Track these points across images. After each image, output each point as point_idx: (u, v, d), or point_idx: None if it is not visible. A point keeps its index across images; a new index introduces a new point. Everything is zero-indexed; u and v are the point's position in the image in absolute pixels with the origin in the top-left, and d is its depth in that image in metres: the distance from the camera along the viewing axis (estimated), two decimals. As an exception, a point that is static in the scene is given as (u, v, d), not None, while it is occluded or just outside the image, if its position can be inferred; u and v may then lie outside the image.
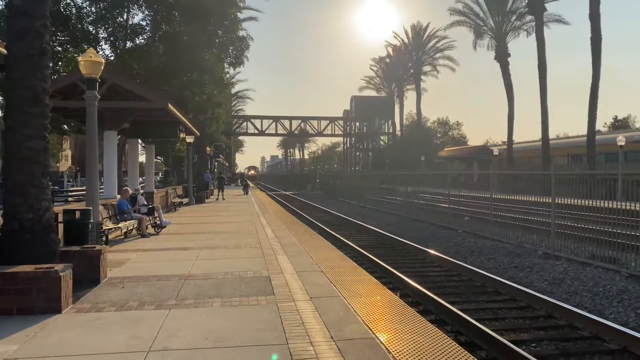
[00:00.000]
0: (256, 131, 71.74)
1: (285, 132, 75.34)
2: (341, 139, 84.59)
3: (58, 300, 5.66)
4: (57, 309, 5.65)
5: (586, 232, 12.45)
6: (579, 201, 12.74)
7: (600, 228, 11.94)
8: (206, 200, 28.54)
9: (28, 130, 6.37)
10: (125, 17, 26.23)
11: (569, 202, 13.17)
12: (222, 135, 50.05)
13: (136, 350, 4.48)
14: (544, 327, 7.34)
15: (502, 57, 43.23)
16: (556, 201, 13.46)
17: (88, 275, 7.07)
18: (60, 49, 23.81)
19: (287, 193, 52.01)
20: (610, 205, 11.57)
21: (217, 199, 30.38)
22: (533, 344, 6.65)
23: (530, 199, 15.60)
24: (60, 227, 8.20)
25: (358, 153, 77.83)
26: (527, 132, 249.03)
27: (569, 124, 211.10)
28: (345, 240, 15.33)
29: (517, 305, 8.45)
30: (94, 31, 25.46)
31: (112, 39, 25.83)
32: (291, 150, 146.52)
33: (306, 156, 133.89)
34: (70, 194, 29.17)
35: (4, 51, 6.83)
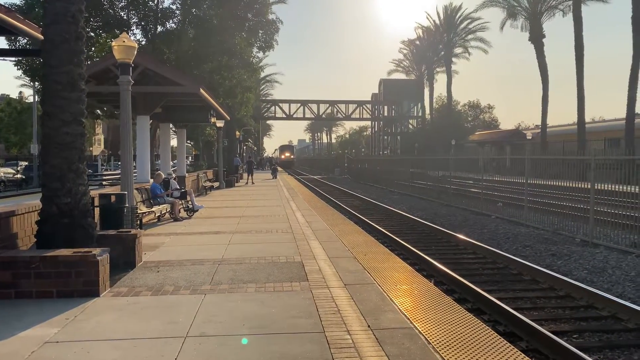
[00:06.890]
0: (284, 115, 71.86)
1: (313, 116, 75.24)
2: (369, 123, 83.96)
3: (96, 283, 5.73)
4: (96, 292, 5.72)
5: (627, 220, 12.04)
6: (619, 187, 12.29)
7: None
8: (236, 184, 28.74)
9: (65, 115, 6.42)
10: (155, 1, 26.35)
11: (609, 188, 12.71)
12: (250, 119, 50.19)
13: (174, 336, 4.49)
14: (585, 317, 7.09)
15: (537, 38, 41.92)
16: (595, 187, 13.03)
17: (124, 259, 7.15)
18: (93, 34, 24.08)
19: (314, 177, 51.97)
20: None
21: (247, 183, 30.58)
22: (575, 335, 6.45)
23: (566, 184, 15.13)
24: (96, 211, 8.32)
25: (386, 137, 77.07)
26: (560, 118, 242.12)
27: (605, 109, 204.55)
28: (375, 226, 15.19)
29: (557, 295, 8.21)
30: (125, 16, 25.67)
31: (143, 23, 25.99)
32: (318, 134, 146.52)
33: (333, 140, 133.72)
34: (104, 177, 29.81)
35: (40, 36, 6.88)
